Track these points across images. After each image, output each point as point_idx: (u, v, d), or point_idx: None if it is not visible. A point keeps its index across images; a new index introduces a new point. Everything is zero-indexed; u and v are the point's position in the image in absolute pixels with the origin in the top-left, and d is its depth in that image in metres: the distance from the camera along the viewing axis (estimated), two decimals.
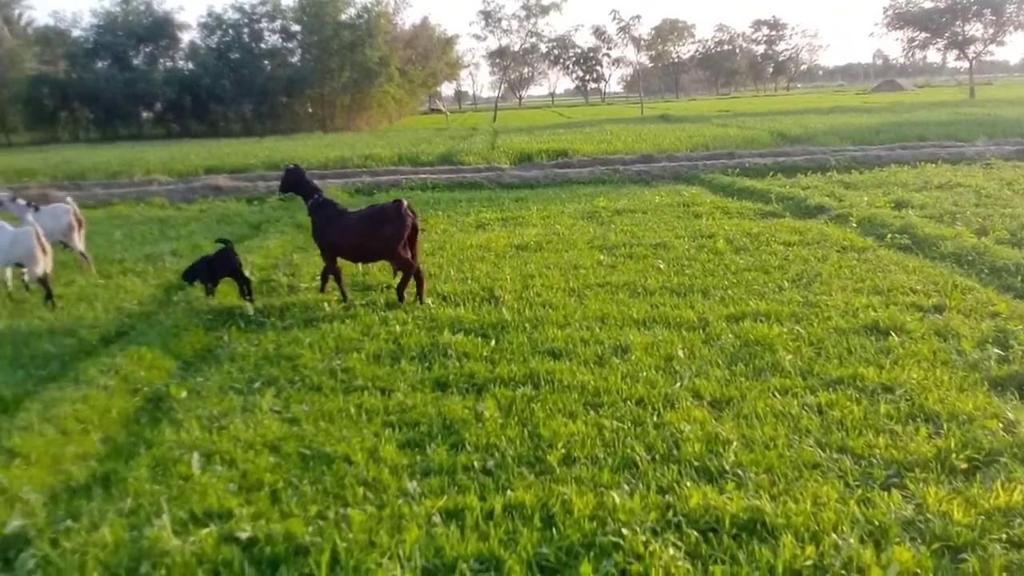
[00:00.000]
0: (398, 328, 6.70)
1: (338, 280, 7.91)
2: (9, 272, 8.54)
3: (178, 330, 6.88)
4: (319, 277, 8.29)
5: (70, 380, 5.70)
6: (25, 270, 8.08)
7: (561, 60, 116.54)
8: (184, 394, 5.46)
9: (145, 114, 54.36)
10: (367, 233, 7.58)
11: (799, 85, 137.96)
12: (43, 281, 7.98)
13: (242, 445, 4.54)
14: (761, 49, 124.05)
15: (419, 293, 7.65)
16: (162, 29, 54.78)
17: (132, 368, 5.87)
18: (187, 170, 22.35)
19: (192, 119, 52.61)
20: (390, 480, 4.04)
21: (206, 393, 5.48)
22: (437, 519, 3.65)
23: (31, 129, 53.92)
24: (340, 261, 7.95)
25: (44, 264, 8.00)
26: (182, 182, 20.07)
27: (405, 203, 7.55)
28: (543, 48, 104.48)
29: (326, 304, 7.62)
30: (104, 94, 49.96)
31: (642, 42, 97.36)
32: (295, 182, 8.18)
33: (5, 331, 7.09)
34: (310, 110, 54.51)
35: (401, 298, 7.55)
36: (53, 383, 5.75)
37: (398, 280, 7.69)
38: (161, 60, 55.67)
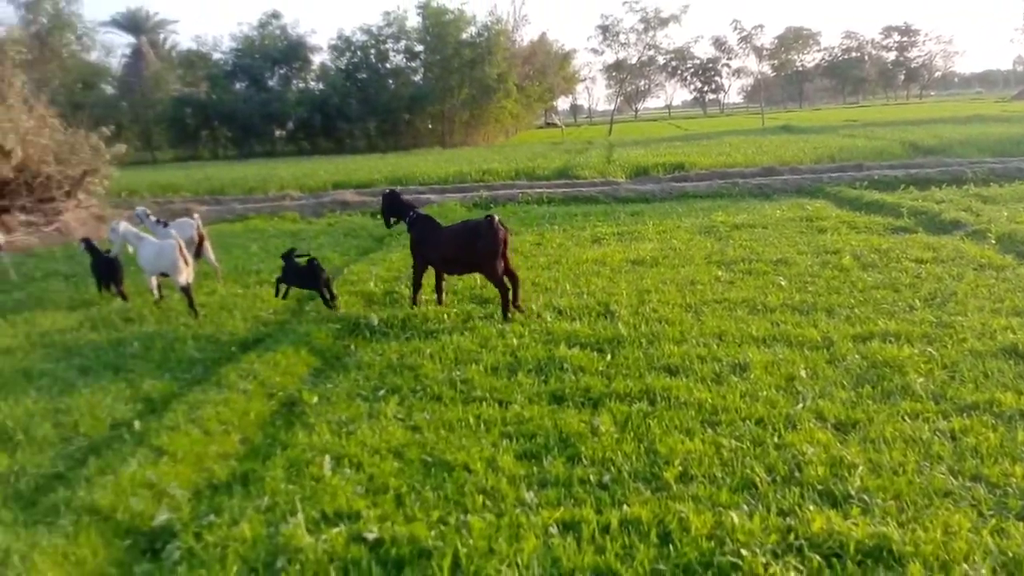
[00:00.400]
0: (515, 341, 6.80)
1: (416, 287, 8.33)
2: (155, 281, 9.23)
3: (309, 338, 7.20)
4: (434, 292, 8.51)
5: (212, 384, 6.07)
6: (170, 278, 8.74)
7: (679, 71, 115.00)
8: (315, 399, 5.71)
9: (278, 132, 57.03)
10: (461, 247, 7.86)
11: (932, 93, 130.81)
12: (186, 290, 8.58)
13: (369, 450, 4.72)
14: (892, 56, 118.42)
15: (513, 301, 7.79)
16: (295, 52, 57.53)
17: (268, 374, 6.20)
18: (317, 185, 23.39)
19: (321, 136, 54.91)
20: (508, 490, 4.12)
21: (335, 399, 5.71)
22: (554, 530, 3.70)
23: (174, 147, 57.69)
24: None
25: (187, 274, 8.60)
26: (312, 197, 21.01)
27: (496, 218, 7.74)
28: (661, 60, 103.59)
29: (445, 316, 7.82)
30: (241, 114, 52.92)
31: (764, 51, 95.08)
32: (391, 204, 8.54)
33: (154, 336, 7.62)
34: (430, 126, 55.89)
35: (506, 316, 7.67)
36: (197, 386, 6.14)
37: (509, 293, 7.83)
38: (294, 81, 58.41)
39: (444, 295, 8.44)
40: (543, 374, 5.96)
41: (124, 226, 9.52)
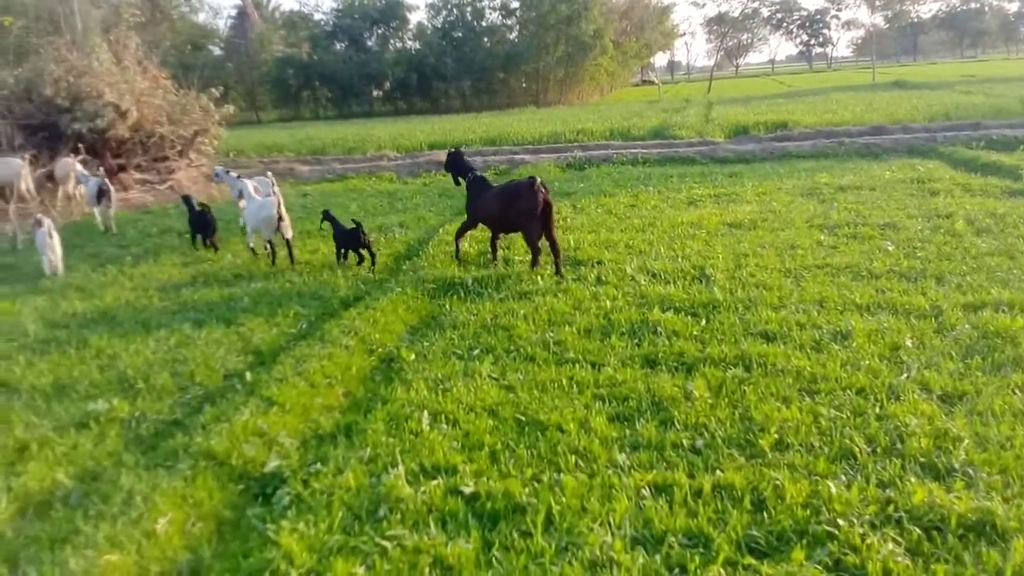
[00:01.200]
0: (608, 304, 6.79)
1: (457, 236, 8.98)
2: (255, 237, 9.69)
3: (406, 297, 7.39)
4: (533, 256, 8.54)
5: (316, 339, 6.28)
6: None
7: (784, 24, 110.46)
8: (412, 357, 5.83)
9: (376, 92, 57.67)
10: (504, 206, 8.32)
11: None
12: (287, 243, 9.16)
13: (464, 407, 4.82)
14: (1015, 7, 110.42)
15: (556, 265, 8.10)
16: (393, 12, 57.90)
17: (368, 330, 6.39)
18: (412, 146, 23.67)
19: (416, 96, 55.30)
20: (600, 451, 4.17)
21: (431, 357, 5.81)
22: (646, 492, 3.74)
23: (277, 107, 59.27)
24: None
25: (283, 229, 9.13)
26: (408, 157, 21.28)
27: (538, 180, 8.06)
28: (765, 12, 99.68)
29: (539, 278, 7.85)
30: (341, 74, 53.83)
31: (877, 2, 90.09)
32: (454, 163, 9.27)
33: (262, 292, 7.96)
34: (524, 85, 55.51)
35: (535, 264, 8.21)
36: (303, 340, 6.36)
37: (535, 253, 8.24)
38: (391, 41, 58.88)
39: (498, 253, 8.89)
40: (636, 337, 5.94)
41: (248, 183, 10.11)
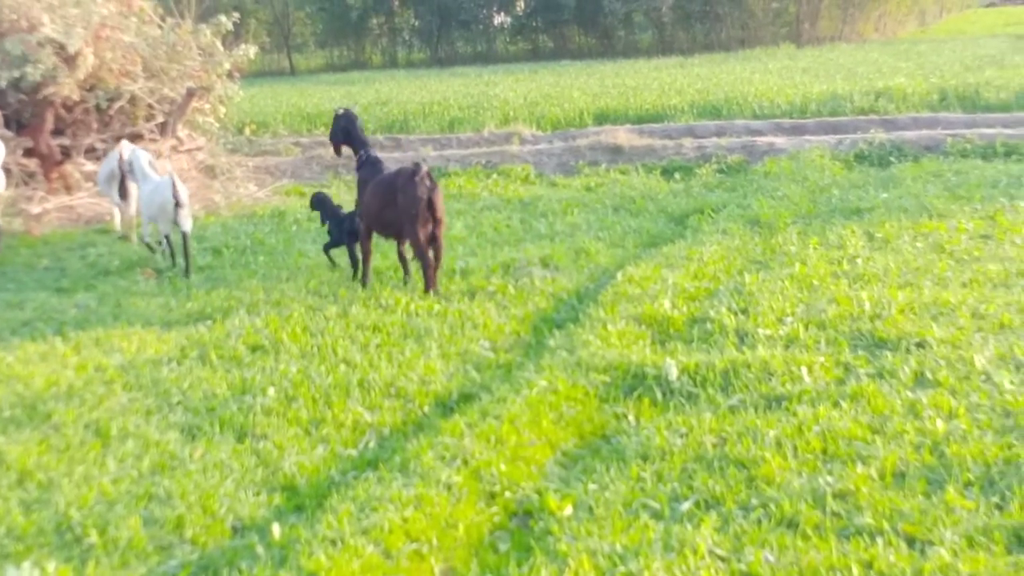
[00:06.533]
0: (940, 425, 6.52)
1: (359, 258, 11.34)
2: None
3: (555, 397, 7.34)
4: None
5: (394, 469, 6.31)
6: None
7: None
8: (567, 510, 5.75)
9: (499, 20, 56.56)
10: (383, 201, 10.50)
11: None
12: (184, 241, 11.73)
13: None
14: None
15: (426, 279, 10.51)
16: None
17: (487, 457, 6.34)
18: (566, 118, 23.81)
19: (573, 27, 55.04)
20: None
21: (602, 511, 5.70)
22: None
23: (325, 46, 60.23)
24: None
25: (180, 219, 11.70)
26: (558, 138, 21.58)
27: (423, 167, 10.12)
28: None
29: (804, 369, 7.65)
30: None
31: None
32: (343, 128, 11.63)
33: (298, 379, 8.13)
34: (774, 5, 54.82)
35: (427, 289, 10.47)
36: (370, 471, 6.42)
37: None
38: None
39: (407, 267, 11.23)
40: (996, 492, 5.68)
41: (141, 155, 12.66)
